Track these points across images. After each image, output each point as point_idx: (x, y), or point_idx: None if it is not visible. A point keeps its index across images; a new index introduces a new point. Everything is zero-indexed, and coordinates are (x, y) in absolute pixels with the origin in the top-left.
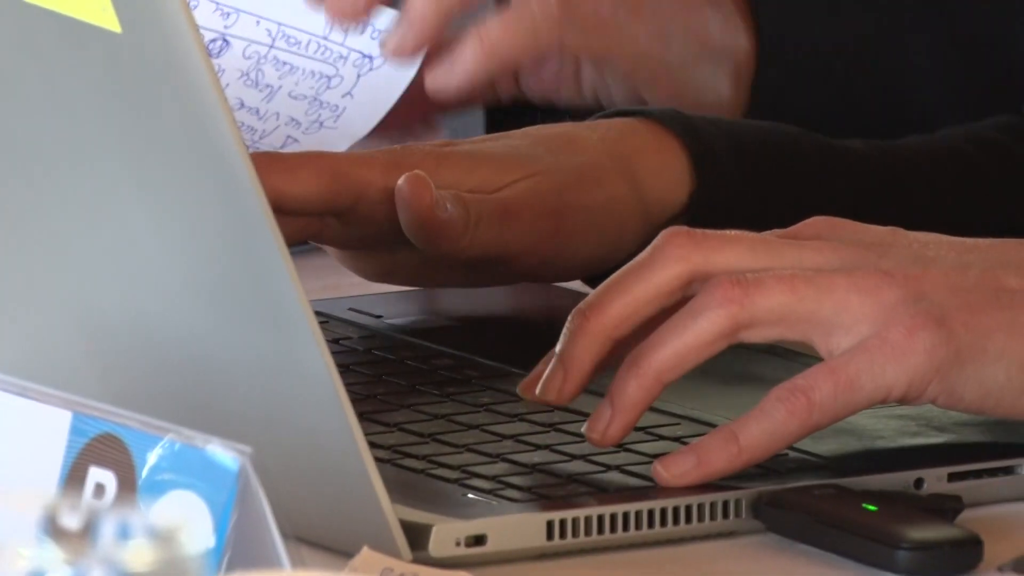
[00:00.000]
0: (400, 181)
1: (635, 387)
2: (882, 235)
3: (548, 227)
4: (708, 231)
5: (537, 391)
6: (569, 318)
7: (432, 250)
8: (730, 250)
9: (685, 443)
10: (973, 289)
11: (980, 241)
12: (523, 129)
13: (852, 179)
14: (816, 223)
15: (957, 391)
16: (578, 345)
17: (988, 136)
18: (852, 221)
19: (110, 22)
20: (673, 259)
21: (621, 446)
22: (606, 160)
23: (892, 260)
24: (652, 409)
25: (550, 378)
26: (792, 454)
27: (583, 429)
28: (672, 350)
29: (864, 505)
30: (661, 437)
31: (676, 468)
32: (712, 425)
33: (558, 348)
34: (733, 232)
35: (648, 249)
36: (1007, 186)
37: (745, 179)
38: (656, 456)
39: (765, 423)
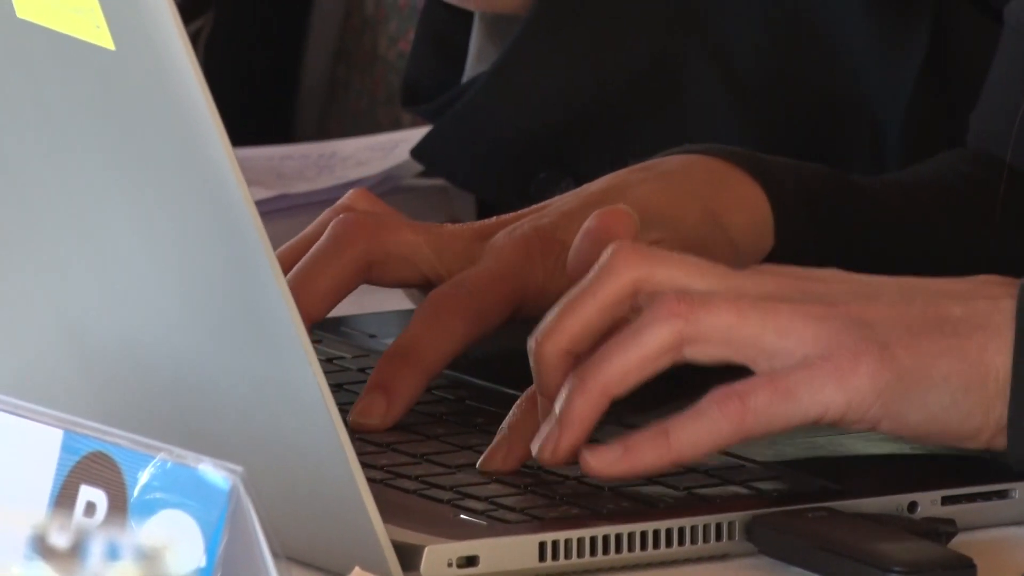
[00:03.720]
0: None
1: (582, 403)
2: (824, 273)
3: None
4: (655, 248)
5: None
6: (528, 344)
7: None
8: (676, 267)
9: (679, 465)
10: (917, 317)
11: (920, 278)
12: (630, 190)
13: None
14: (759, 266)
15: (901, 415)
16: (542, 369)
17: (965, 171)
18: (791, 265)
19: (104, 40)
20: (619, 271)
21: None
22: (705, 222)
23: (836, 293)
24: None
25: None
26: (785, 476)
27: (533, 450)
28: (617, 365)
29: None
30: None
31: (603, 458)
32: None
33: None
34: (680, 254)
35: (595, 267)
36: (989, 218)
37: (817, 224)
38: (650, 478)
39: (698, 423)
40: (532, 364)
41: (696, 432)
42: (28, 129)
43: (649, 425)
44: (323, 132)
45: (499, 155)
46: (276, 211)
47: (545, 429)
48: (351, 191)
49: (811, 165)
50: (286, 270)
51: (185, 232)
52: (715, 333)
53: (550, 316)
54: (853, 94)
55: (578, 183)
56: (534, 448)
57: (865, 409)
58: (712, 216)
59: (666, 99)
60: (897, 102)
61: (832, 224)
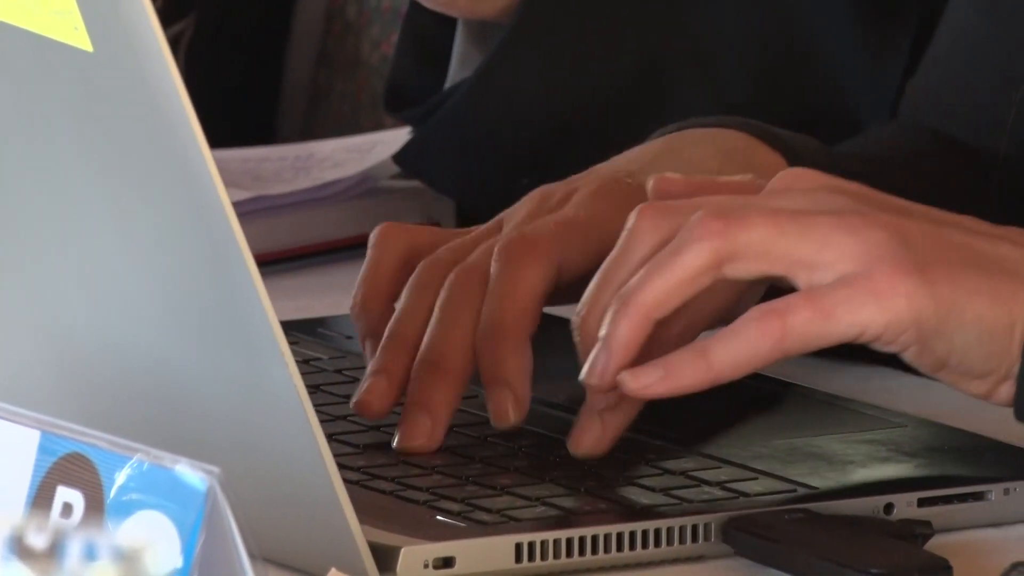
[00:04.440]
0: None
1: (626, 327)
2: (856, 186)
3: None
4: (686, 186)
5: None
6: (572, 320)
7: None
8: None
9: (656, 466)
10: (954, 247)
11: (947, 212)
12: (673, 151)
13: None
14: (787, 175)
15: (930, 344)
16: (585, 344)
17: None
18: (821, 173)
19: (82, 41)
20: (644, 235)
21: (590, 469)
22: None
23: (872, 207)
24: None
25: (593, 362)
26: (761, 477)
27: (581, 374)
28: (659, 287)
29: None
30: (631, 460)
31: (643, 379)
32: (675, 445)
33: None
34: (700, 199)
35: (623, 233)
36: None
37: None
38: (627, 479)
39: (736, 342)
40: (575, 339)
41: (735, 351)
42: (6, 130)
43: (686, 346)
44: (306, 136)
45: (481, 161)
46: (253, 212)
47: (592, 355)
48: (381, 232)
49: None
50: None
51: (163, 233)
52: (753, 248)
53: (589, 291)
54: (837, 103)
55: None
56: (582, 375)
57: (901, 332)
58: None
59: (650, 107)
60: (881, 111)
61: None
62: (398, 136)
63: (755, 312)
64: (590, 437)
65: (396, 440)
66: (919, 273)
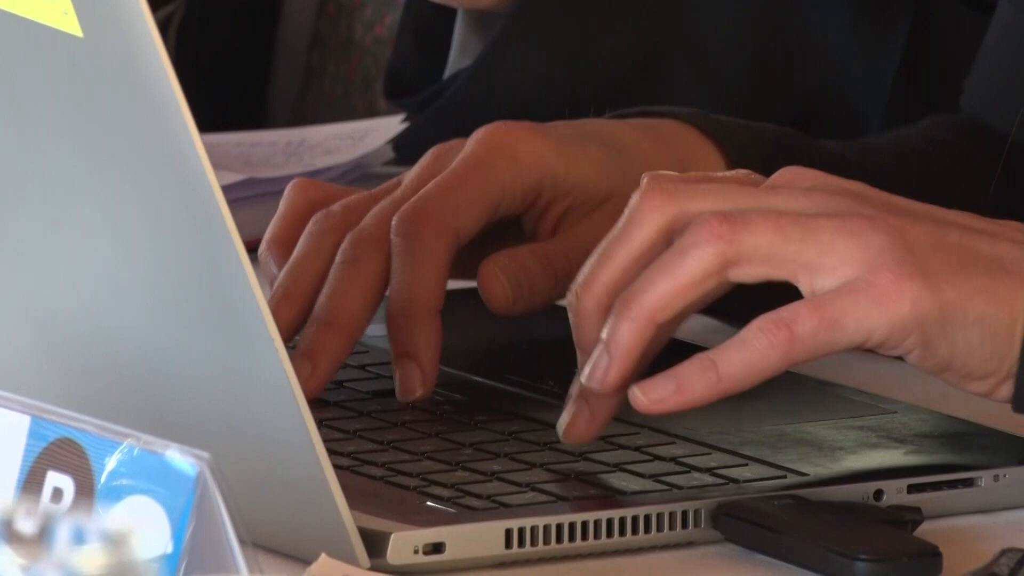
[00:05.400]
0: (480, 279)
1: (628, 330)
2: (857, 186)
3: None
4: (683, 179)
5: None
6: (567, 300)
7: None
8: (706, 198)
9: (646, 452)
10: (955, 249)
11: (947, 209)
12: (599, 124)
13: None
14: (787, 173)
15: (933, 346)
16: (582, 325)
17: (943, 137)
18: (823, 172)
19: (71, 26)
20: (649, 216)
21: (580, 455)
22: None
23: (873, 208)
24: (614, 419)
25: (594, 366)
26: (751, 463)
27: (582, 377)
28: (663, 290)
29: (823, 516)
30: (621, 446)
31: (655, 393)
32: (671, 435)
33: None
34: (707, 185)
35: (626, 211)
36: (964, 186)
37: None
38: (616, 465)
39: (745, 353)
40: (571, 319)
41: (744, 362)
42: None
43: (694, 357)
44: (298, 118)
45: None
46: (244, 197)
47: (592, 358)
48: (292, 185)
49: (767, 124)
50: (308, 298)
51: (153, 218)
52: (757, 252)
53: (586, 269)
54: (834, 88)
55: None
56: (583, 378)
57: (905, 335)
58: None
59: (646, 95)
60: (878, 99)
61: None
62: (391, 123)
63: (762, 322)
64: (579, 424)
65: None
66: (922, 277)
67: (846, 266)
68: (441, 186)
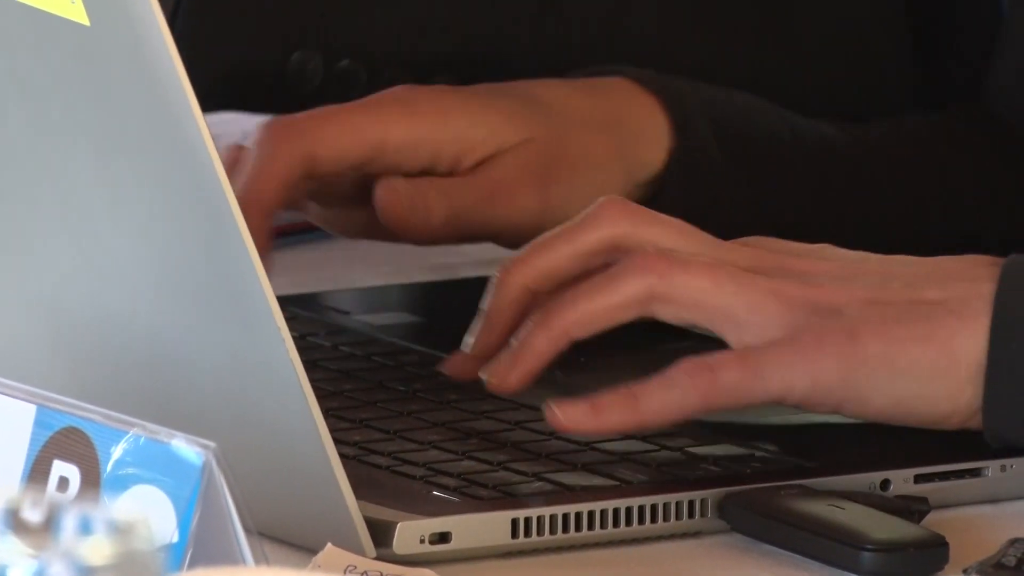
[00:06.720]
0: (376, 191)
1: (542, 338)
2: (812, 249)
3: (534, 206)
4: (645, 208)
5: (464, 348)
6: (494, 273)
7: (416, 243)
8: (661, 228)
9: (652, 442)
10: (891, 302)
11: (908, 257)
12: (523, 83)
13: (817, 163)
14: (747, 239)
15: (865, 399)
16: (499, 296)
17: (961, 136)
18: (781, 239)
19: (79, 15)
20: (602, 223)
21: (587, 445)
22: (593, 123)
23: (815, 273)
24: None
25: (477, 332)
26: (758, 453)
27: (481, 373)
28: (585, 308)
29: (830, 506)
30: (627, 436)
31: (570, 414)
32: (678, 425)
33: (483, 303)
34: (670, 223)
35: (583, 213)
36: (976, 186)
37: (720, 141)
38: (623, 455)
39: (667, 392)
40: (490, 288)
41: (665, 400)
42: (2, 104)
43: (619, 388)
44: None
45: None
46: None
47: (501, 356)
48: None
49: (742, 95)
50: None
51: (159, 207)
52: (687, 295)
53: (523, 249)
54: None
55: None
56: (485, 373)
57: (828, 392)
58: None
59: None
60: (875, 83)
61: (741, 139)
62: None
63: (688, 365)
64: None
65: None
66: (846, 336)
67: (771, 328)
68: (320, 112)
